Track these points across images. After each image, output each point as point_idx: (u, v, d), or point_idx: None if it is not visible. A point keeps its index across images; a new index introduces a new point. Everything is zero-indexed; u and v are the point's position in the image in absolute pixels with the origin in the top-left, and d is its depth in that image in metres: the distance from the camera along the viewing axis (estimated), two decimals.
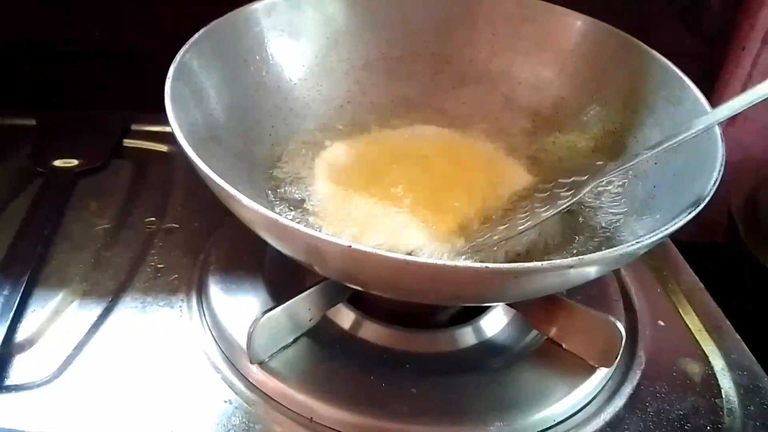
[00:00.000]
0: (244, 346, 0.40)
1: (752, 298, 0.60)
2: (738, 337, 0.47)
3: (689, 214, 0.34)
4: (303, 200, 0.46)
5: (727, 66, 0.75)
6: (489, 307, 0.46)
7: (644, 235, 0.32)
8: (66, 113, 0.63)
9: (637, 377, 0.43)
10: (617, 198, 0.45)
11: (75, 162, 0.57)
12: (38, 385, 0.38)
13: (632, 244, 0.32)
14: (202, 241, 0.50)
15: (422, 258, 0.30)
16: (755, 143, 0.79)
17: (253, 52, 0.48)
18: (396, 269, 0.31)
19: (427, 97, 0.55)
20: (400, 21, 0.54)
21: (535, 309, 0.43)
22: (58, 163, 0.56)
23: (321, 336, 0.42)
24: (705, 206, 0.34)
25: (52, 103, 0.63)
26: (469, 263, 0.30)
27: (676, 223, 0.33)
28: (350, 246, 0.30)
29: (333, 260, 0.33)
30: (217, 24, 0.45)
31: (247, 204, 0.32)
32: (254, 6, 0.48)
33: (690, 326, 0.47)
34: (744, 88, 0.76)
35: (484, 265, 0.30)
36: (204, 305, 0.44)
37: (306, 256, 0.35)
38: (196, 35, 0.43)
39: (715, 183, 0.36)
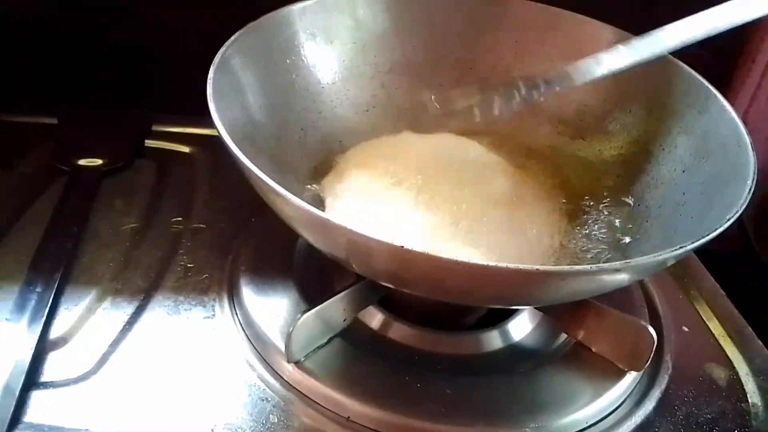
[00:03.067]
0: (280, 345, 0.40)
1: (764, 306, 0.61)
2: (760, 342, 0.47)
3: (728, 220, 0.34)
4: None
5: (736, 78, 0.76)
6: (516, 311, 0.46)
7: (685, 241, 0.33)
8: (88, 113, 0.63)
9: (665, 381, 0.43)
10: (646, 205, 0.46)
11: (99, 161, 0.57)
12: (75, 382, 0.38)
13: (675, 250, 0.32)
14: (229, 241, 0.50)
15: (472, 259, 0.30)
16: (762, 153, 0.80)
17: (285, 55, 0.49)
18: (445, 270, 0.31)
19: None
20: (426, 26, 0.55)
21: (563, 312, 0.44)
22: (82, 162, 0.56)
23: (352, 337, 0.43)
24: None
25: (74, 102, 0.63)
26: (519, 265, 0.30)
27: (717, 229, 0.34)
28: (402, 246, 0.30)
29: (379, 260, 0.34)
30: (254, 25, 0.45)
31: (294, 202, 0.33)
32: (289, 8, 0.48)
33: (713, 332, 0.48)
34: (753, 100, 0.78)
35: (534, 267, 0.30)
36: (236, 305, 0.45)
37: (349, 255, 0.35)
38: (237, 34, 0.44)
39: (750, 191, 0.37)
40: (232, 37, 0.43)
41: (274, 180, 0.33)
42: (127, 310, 0.43)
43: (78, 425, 0.36)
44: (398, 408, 0.38)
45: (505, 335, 0.45)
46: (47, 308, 0.41)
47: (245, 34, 0.44)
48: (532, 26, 0.55)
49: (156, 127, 0.63)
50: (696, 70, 0.48)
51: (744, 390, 0.44)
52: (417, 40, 0.55)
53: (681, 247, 0.32)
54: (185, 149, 0.61)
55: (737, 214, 0.35)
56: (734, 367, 0.45)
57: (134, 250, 0.49)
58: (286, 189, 0.32)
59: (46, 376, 0.39)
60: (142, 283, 0.46)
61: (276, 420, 0.38)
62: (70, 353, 0.40)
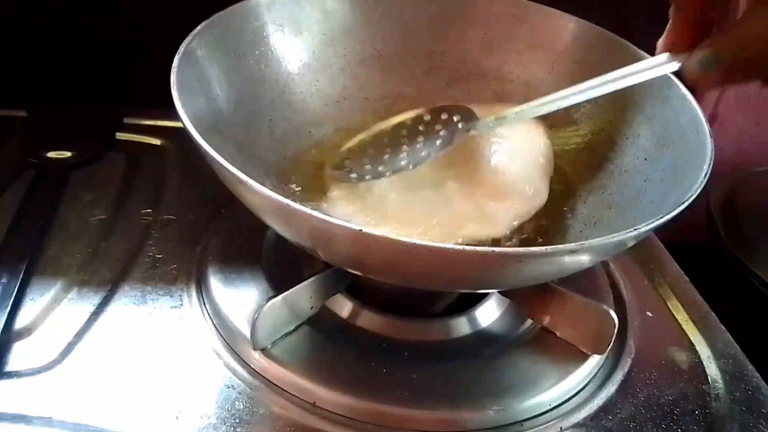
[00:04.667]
0: (246, 333, 0.40)
1: (732, 295, 0.63)
2: (722, 327, 0.48)
3: (683, 204, 0.35)
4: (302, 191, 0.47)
5: None
6: (483, 297, 0.47)
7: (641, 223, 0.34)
8: (58, 106, 0.62)
9: (628, 365, 0.44)
10: (609, 192, 0.46)
11: (68, 154, 0.57)
12: (39, 371, 0.38)
13: (630, 231, 0.33)
14: (198, 232, 0.50)
15: (431, 242, 0.30)
16: (730, 147, 0.82)
17: (253, 46, 0.49)
18: (405, 253, 0.31)
19: (420, 94, 0.56)
20: (395, 18, 0.55)
21: (529, 298, 0.45)
22: (51, 154, 0.56)
23: (320, 324, 0.43)
24: (686, 207, 0.36)
25: (44, 95, 0.63)
26: (477, 247, 0.31)
27: (672, 212, 0.34)
28: (361, 230, 0.31)
29: (342, 245, 0.34)
30: (220, 16, 0.45)
31: (257, 189, 0.33)
32: (256, 0, 0.48)
33: (676, 317, 0.49)
34: (721, 95, 0.79)
35: (490, 249, 0.31)
36: (204, 294, 0.45)
37: (314, 242, 0.36)
38: (200, 26, 0.43)
39: (705, 175, 0.38)
40: (197, 28, 0.43)
41: (243, 169, 0.34)
42: (93, 300, 0.43)
43: (41, 414, 0.36)
44: (364, 393, 0.39)
45: (473, 321, 0.46)
46: (12, 299, 0.41)
47: (210, 25, 0.44)
48: (501, 19, 0.55)
49: (128, 120, 0.62)
50: None
51: (706, 373, 0.45)
52: (387, 33, 0.55)
53: (635, 229, 0.33)
54: (156, 141, 0.61)
55: (692, 198, 0.36)
56: (696, 351, 0.46)
57: (102, 242, 0.48)
58: (253, 179, 0.33)
59: (10, 365, 0.39)
60: (109, 274, 0.46)
61: (242, 407, 0.38)
62: (35, 343, 0.40)
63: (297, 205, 0.32)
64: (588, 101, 0.51)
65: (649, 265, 0.54)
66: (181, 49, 0.41)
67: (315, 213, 0.32)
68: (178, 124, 0.37)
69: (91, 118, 0.62)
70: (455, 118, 0.46)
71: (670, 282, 0.52)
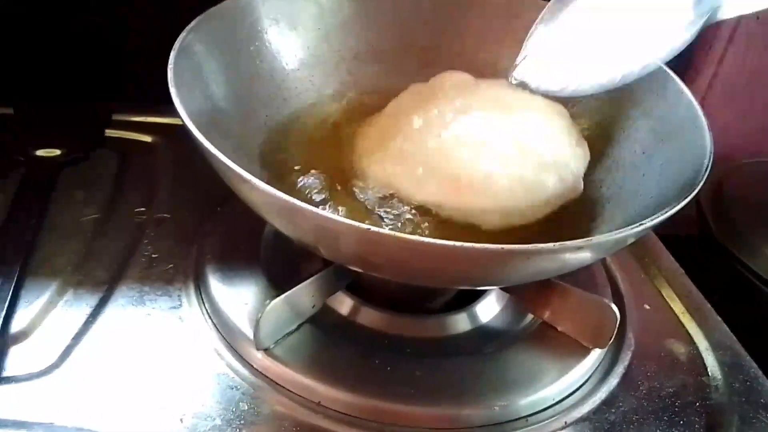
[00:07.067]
0: (248, 333, 0.40)
1: (722, 285, 0.63)
2: (719, 318, 0.49)
3: (686, 198, 0.35)
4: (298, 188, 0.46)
5: (693, 67, 0.78)
6: (483, 293, 0.47)
7: (646, 218, 0.34)
8: (44, 103, 0.61)
9: (628, 358, 0.44)
10: (607, 187, 0.47)
11: (57, 152, 0.55)
12: (38, 376, 0.38)
13: (635, 227, 0.33)
14: (194, 230, 0.49)
15: (437, 240, 0.30)
16: (718, 140, 0.82)
17: (248, 41, 0.48)
18: (411, 250, 0.31)
19: None
20: (390, 14, 0.55)
21: (529, 293, 0.45)
22: (39, 152, 0.55)
23: (321, 322, 0.43)
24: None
25: (31, 92, 0.61)
26: (485, 245, 0.30)
27: (675, 206, 0.34)
28: (369, 229, 0.30)
29: (347, 243, 0.34)
30: (215, 10, 0.45)
31: (261, 188, 0.32)
32: None
33: (674, 309, 0.49)
34: (709, 89, 0.80)
35: (499, 246, 0.31)
36: (203, 294, 0.44)
37: (317, 240, 0.35)
38: (195, 21, 0.43)
39: (707, 169, 0.38)
40: (192, 23, 0.42)
41: (241, 166, 0.33)
42: (90, 302, 0.43)
43: (42, 419, 0.35)
44: (368, 391, 0.38)
45: (473, 317, 0.46)
46: (6, 302, 0.41)
47: (206, 19, 0.44)
48: (497, 13, 0.55)
49: (117, 117, 0.61)
50: None
51: (704, 364, 0.45)
52: (382, 28, 0.55)
53: (640, 224, 0.33)
54: (147, 138, 0.60)
55: (695, 192, 0.36)
56: (694, 343, 0.47)
57: (96, 242, 0.48)
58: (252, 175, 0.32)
59: (8, 371, 0.38)
60: (104, 274, 0.45)
61: (246, 407, 0.38)
62: (32, 347, 0.39)
63: (302, 204, 0.32)
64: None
65: (645, 259, 0.54)
66: (177, 44, 0.40)
67: (320, 211, 0.32)
68: (169, 121, 0.36)
69: (80, 115, 0.60)
70: None
71: (665, 275, 0.53)
